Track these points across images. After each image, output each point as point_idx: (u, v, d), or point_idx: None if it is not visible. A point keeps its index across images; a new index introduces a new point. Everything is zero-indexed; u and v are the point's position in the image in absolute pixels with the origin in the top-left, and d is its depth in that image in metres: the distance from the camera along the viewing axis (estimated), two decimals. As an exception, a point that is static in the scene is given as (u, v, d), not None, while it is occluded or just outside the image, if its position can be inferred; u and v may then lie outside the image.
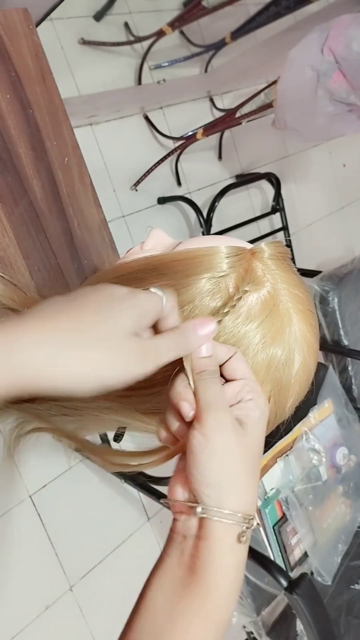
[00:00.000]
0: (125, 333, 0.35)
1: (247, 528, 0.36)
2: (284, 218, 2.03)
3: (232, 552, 0.36)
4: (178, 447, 0.40)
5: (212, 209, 1.74)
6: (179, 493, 0.39)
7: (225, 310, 0.41)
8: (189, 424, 0.38)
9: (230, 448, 0.37)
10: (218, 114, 1.96)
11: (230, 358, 0.41)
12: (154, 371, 0.36)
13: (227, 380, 0.41)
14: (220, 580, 0.36)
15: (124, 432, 0.89)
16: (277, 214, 2.03)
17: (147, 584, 0.38)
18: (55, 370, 0.32)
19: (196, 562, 0.36)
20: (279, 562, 1.03)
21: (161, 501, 0.40)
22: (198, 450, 0.37)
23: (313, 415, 1.13)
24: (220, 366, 0.41)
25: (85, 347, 0.33)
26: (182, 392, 0.39)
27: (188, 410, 0.38)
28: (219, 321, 0.42)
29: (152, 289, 0.40)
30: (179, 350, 0.39)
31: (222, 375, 0.41)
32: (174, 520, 0.39)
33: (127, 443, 1.60)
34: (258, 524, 0.39)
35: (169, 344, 0.38)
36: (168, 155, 1.72)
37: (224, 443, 0.37)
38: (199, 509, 0.36)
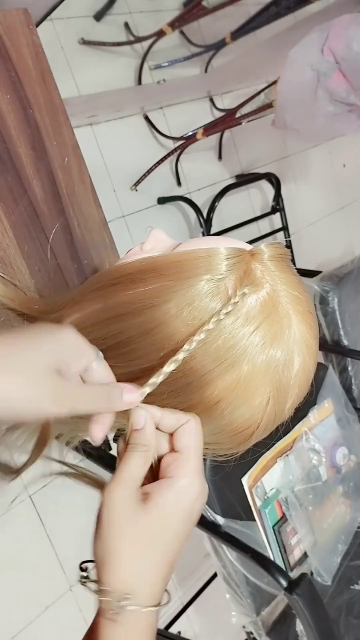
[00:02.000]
0: (46, 367, 0.34)
1: (121, 606, 0.36)
2: (284, 218, 2.03)
3: (112, 625, 0.37)
4: None
5: (212, 209, 1.74)
6: None
7: (223, 314, 0.41)
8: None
9: (117, 525, 0.37)
10: (218, 114, 1.96)
11: (180, 427, 0.41)
12: (69, 415, 0.36)
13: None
14: None
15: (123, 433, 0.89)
16: (277, 214, 2.03)
17: None
18: None
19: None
20: (279, 562, 1.03)
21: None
22: (97, 520, 0.38)
23: (313, 415, 1.13)
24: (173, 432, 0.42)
25: (3, 375, 0.33)
26: (120, 453, 0.41)
27: None
28: (219, 321, 0.41)
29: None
30: (100, 406, 0.39)
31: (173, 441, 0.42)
32: None
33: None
34: (156, 605, 0.38)
35: (92, 396, 0.38)
36: (168, 155, 1.72)
37: (112, 520, 0.37)
38: (81, 579, 0.38)
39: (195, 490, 0.40)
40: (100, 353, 0.40)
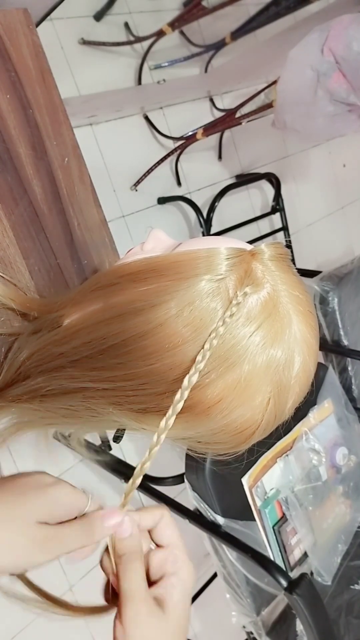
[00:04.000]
0: (32, 521, 0.36)
1: None
2: (284, 218, 2.04)
3: None
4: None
5: (212, 209, 1.74)
6: None
7: (228, 318, 0.41)
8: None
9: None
10: (218, 114, 1.97)
11: (157, 523, 0.42)
12: (57, 558, 0.37)
13: (157, 545, 0.43)
14: None
15: (123, 434, 0.89)
16: (277, 214, 2.04)
17: None
18: None
19: None
20: (279, 562, 1.03)
21: None
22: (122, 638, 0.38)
23: (313, 415, 1.13)
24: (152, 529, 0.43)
25: None
26: (107, 568, 0.42)
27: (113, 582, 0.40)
28: (223, 323, 0.41)
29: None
30: (84, 540, 0.40)
31: (152, 538, 0.43)
32: None
33: (127, 443, 1.59)
34: None
35: (73, 534, 0.39)
36: (168, 155, 1.72)
37: (141, 636, 0.38)
38: None
39: (192, 575, 0.42)
40: (90, 495, 0.41)
